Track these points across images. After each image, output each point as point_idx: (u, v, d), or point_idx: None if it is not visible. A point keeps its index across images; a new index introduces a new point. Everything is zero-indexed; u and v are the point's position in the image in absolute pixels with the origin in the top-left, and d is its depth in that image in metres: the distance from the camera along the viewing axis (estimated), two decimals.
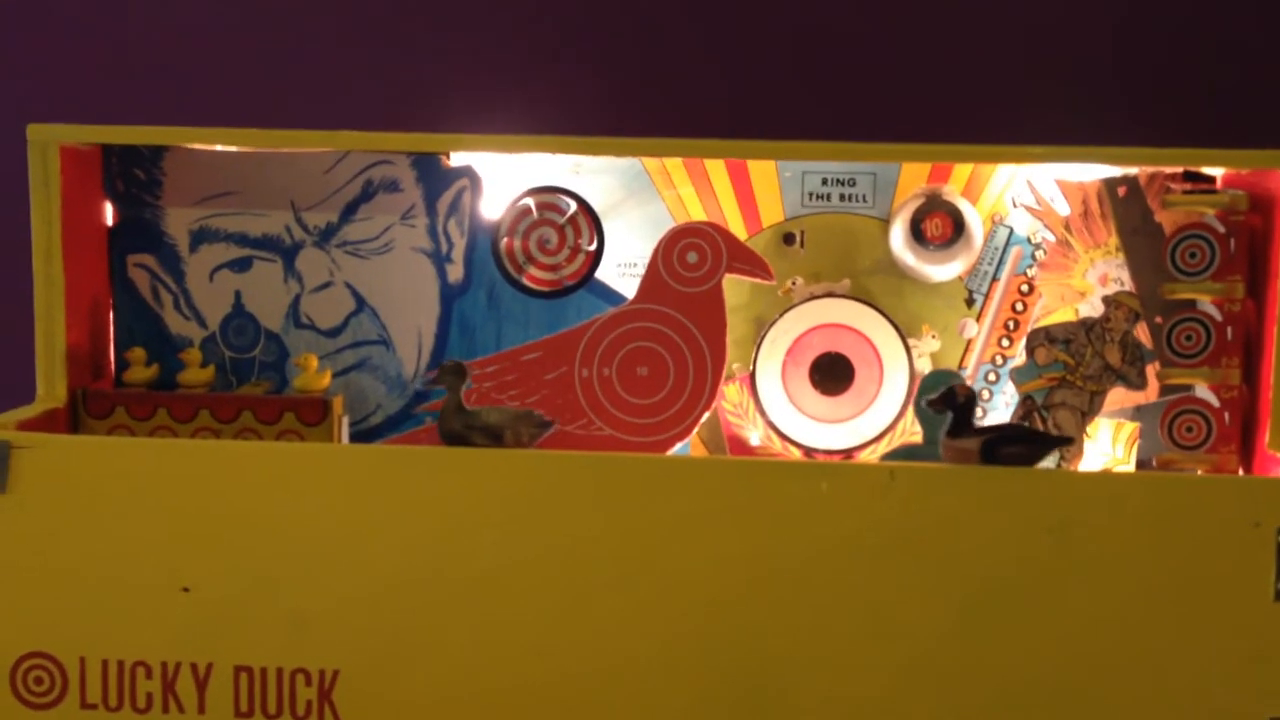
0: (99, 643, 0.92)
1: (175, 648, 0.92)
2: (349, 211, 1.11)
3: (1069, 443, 1.00)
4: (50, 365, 1.02)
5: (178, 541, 0.91)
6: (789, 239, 1.10)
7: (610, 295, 1.10)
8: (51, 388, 1.02)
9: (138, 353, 1.08)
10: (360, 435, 1.10)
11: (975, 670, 0.90)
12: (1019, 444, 0.93)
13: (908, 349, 1.09)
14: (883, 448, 1.10)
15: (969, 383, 1.08)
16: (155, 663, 0.92)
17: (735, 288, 1.09)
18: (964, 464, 0.93)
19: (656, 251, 1.08)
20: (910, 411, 1.09)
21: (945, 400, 0.95)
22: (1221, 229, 0.99)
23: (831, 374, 1.10)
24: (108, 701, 0.92)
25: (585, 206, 1.10)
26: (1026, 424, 1.04)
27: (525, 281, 1.10)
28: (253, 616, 0.91)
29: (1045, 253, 1.09)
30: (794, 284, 1.09)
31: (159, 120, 1.03)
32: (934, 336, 1.10)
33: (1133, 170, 1.04)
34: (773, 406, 1.10)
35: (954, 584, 0.90)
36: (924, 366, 1.10)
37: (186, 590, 0.91)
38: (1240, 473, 1.00)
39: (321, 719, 0.91)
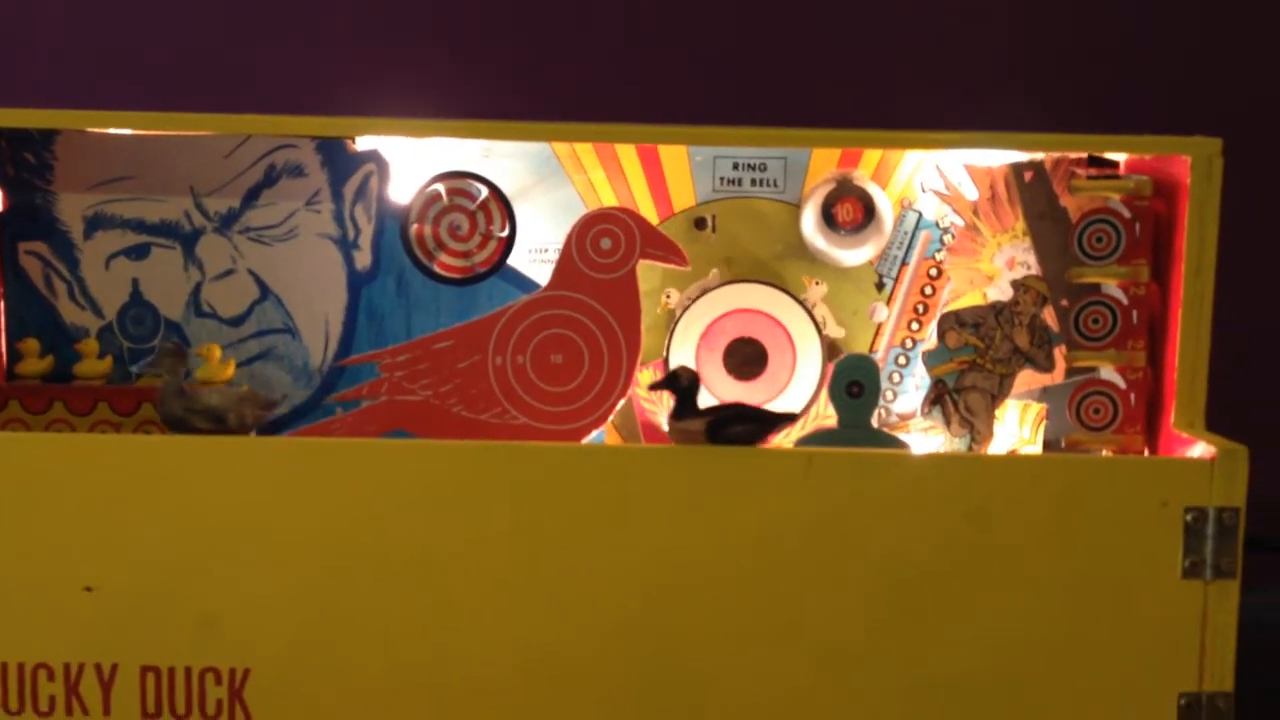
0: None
1: (79, 648, 0.91)
2: (251, 197, 1.09)
3: (792, 419, 1.01)
4: None
5: (80, 539, 0.89)
6: (700, 223, 1.11)
7: (522, 282, 1.10)
8: None
9: (31, 344, 1.05)
10: (267, 427, 1.06)
11: (893, 653, 0.91)
12: (743, 423, 0.96)
13: (820, 333, 1.09)
14: (795, 432, 1.09)
15: (880, 365, 1.08)
16: (58, 664, 0.91)
17: (647, 273, 1.08)
18: (691, 444, 0.95)
19: (570, 238, 1.07)
20: (823, 396, 1.09)
21: (669, 383, 0.97)
22: (1127, 214, 1.01)
23: (745, 359, 1.10)
24: (8, 705, 0.90)
25: (496, 192, 1.09)
26: (938, 406, 1.05)
27: (436, 268, 1.09)
28: (159, 615, 0.90)
29: (953, 237, 1.10)
30: (815, 285, 1.10)
31: (51, 103, 0.99)
32: (818, 284, 1.10)
33: (1039, 155, 1.06)
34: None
35: (872, 568, 0.91)
36: (833, 332, 1.11)
37: (89, 589, 0.89)
38: (1146, 453, 1.02)
39: (233, 718, 0.90)
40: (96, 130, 1.05)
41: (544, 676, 0.91)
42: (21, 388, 1.02)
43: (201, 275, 1.09)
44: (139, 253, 1.08)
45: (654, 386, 1.00)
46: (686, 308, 1.10)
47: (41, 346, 1.06)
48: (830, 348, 1.10)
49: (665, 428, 0.97)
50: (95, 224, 1.08)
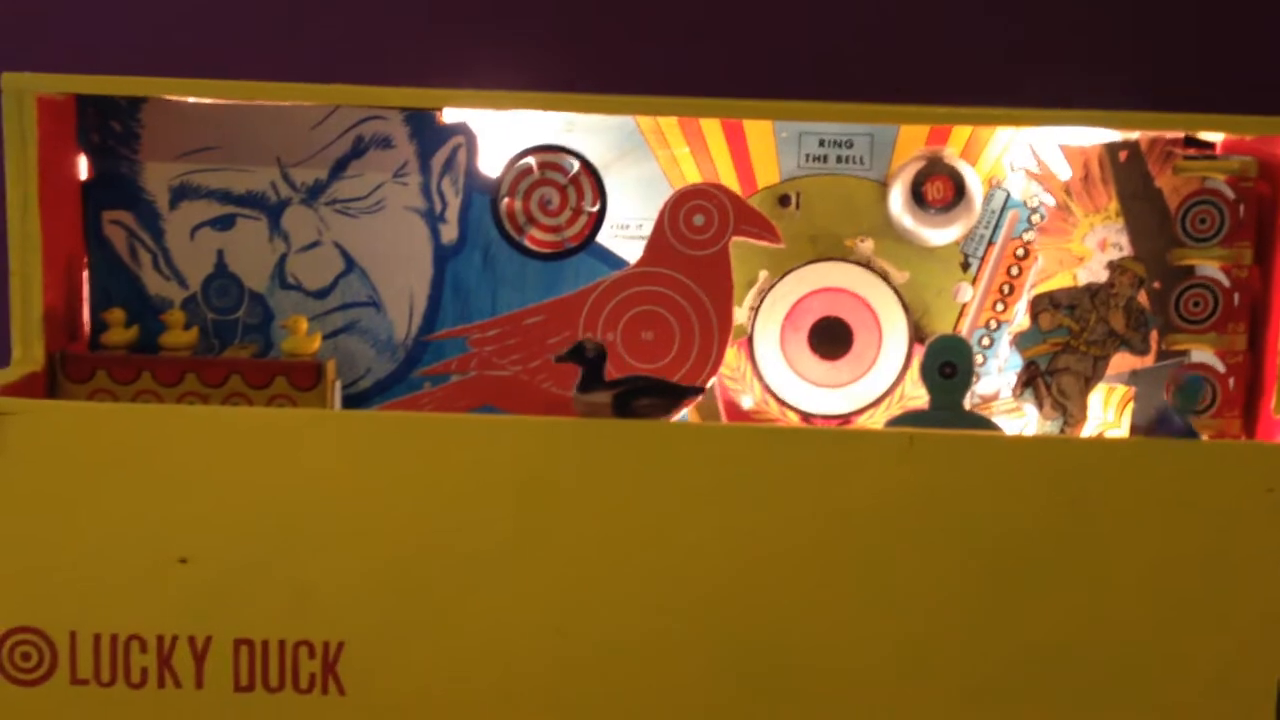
0: (91, 616, 0.91)
1: (172, 620, 0.91)
2: (338, 168, 1.09)
3: (699, 393, 1.03)
4: (27, 326, 0.99)
5: (174, 511, 0.90)
6: (784, 201, 1.10)
7: (608, 258, 1.10)
8: (28, 350, 1.00)
9: (116, 314, 1.05)
10: (351, 399, 1.09)
11: (987, 636, 0.91)
12: (651, 395, 0.97)
13: (907, 314, 1.09)
14: (880, 412, 1.10)
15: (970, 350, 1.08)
16: (151, 636, 0.91)
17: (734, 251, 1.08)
18: (597, 417, 0.97)
19: (663, 213, 1.07)
20: (909, 377, 1.09)
21: (574, 355, 0.98)
22: (1231, 195, 1.00)
23: (830, 338, 1.10)
24: (100, 677, 0.91)
25: (588, 166, 1.09)
26: (1030, 389, 1.05)
27: (526, 243, 1.09)
28: (253, 588, 0.91)
29: (1043, 217, 1.09)
30: (861, 242, 1.09)
31: (137, 70, 1.00)
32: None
33: (1134, 135, 1.05)
34: (770, 370, 1.10)
35: (970, 549, 0.91)
36: (929, 326, 1.10)
37: (184, 561, 0.90)
38: (1244, 438, 1.02)
39: (326, 692, 0.91)
40: (184, 99, 1.05)
41: (635, 653, 0.91)
42: (109, 358, 1.02)
43: (287, 247, 1.09)
44: (224, 223, 1.08)
45: (559, 359, 1.00)
46: (772, 286, 1.09)
47: (127, 317, 1.06)
48: (916, 329, 1.10)
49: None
50: (181, 194, 1.08)
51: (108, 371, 1.01)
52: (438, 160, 1.09)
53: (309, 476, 0.90)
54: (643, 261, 1.08)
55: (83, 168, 1.08)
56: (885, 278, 1.09)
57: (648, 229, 1.09)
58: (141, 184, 1.09)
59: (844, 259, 1.10)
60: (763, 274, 1.09)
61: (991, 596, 0.91)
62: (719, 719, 0.92)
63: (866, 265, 1.09)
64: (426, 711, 0.92)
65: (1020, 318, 1.10)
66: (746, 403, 1.11)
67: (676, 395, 0.98)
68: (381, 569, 0.91)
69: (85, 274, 1.08)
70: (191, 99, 1.06)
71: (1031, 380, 1.05)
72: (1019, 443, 0.94)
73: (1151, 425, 1.01)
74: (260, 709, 0.91)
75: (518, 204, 1.09)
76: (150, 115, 1.08)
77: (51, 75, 0.99)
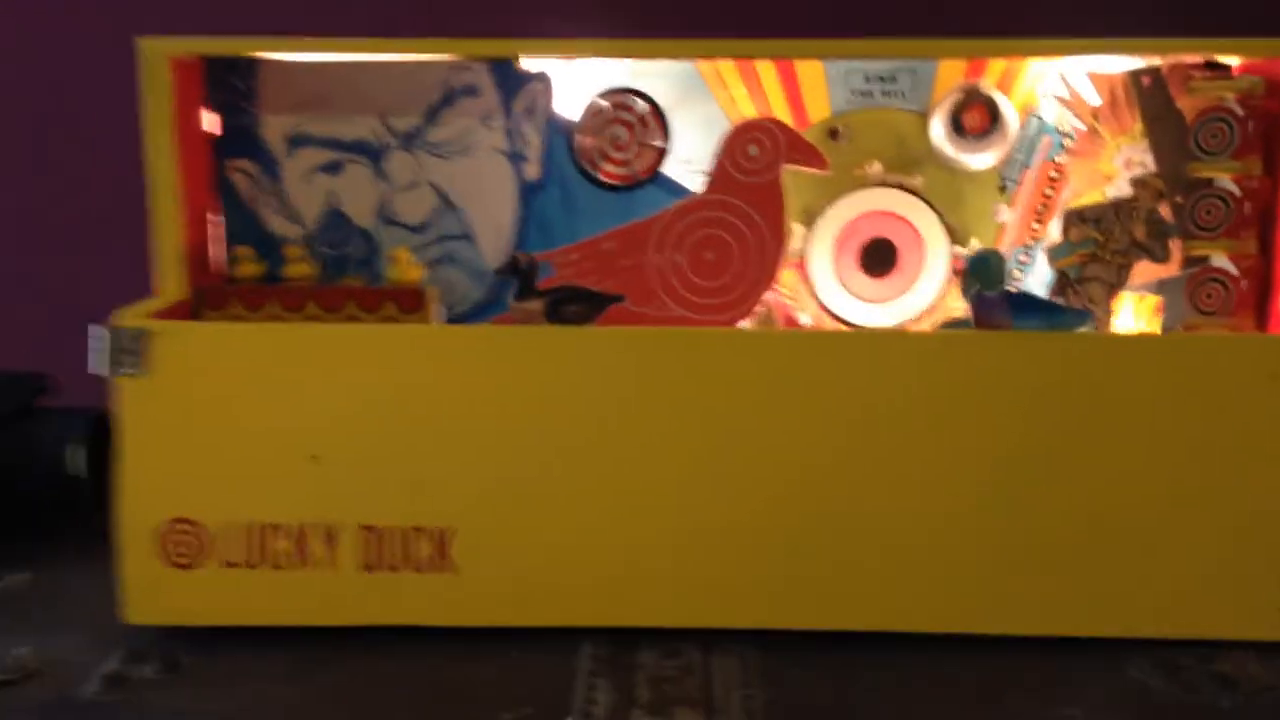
0: (237, 508, 0.98)
1: (306, 510, 0.98)
2: (432, 116, 1.16)
3: (619, 299, 1.10)
4: (170, 263, 1.07)
5: (304, 415, 0.98)
6: (834, 133, 1.16)
7: (675, 189, 1.17)
8: (173, 283, 1.07)
9: (246, 251, 1.13)
10: (451, 321, 1.16)
11: (1016, 515, 0.98)
12: (578, 303, 1.06)
13: (949, 234, 1.16)
14: (927, 324, 1.17)
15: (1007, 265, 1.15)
16: (289, 524, 0.98)
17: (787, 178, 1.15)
18: (531, 324, 1.04)
19: (723, 146, 1.14)
20: (953, 290, 1.16)
21: (510, 269, 1.08)
22: (1240, 112, 1.07)
23: (878, 257, 1.17)
24: (247, 560, 0.99)
25: (654, 106, 1.16)
26: (1060, 298, 1.12)
27: (600, 177, 1.16)
28: (375, 481, 0.98)
29: (1074, 140, 1.15)
30: (870, 167, 1.15)
31: (255, 33, 1.07)
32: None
33: (1156, 61, 1.11)
34: (824, 289, 1.17)
35: (1005, 438, 0.97)
36: (962, 247, 1.16)
37: (315, 458, 0.98)
38: (1257, 332, 1.08)
39: (440, 570, 0.99)
40: (295, 58, 1.12)
41: (707, 531, 0.98)
42: (241, 288, 1.10)
43: (389, 187, 1.16)
44: (334, 168, 1.16)
45: (499, 272, 1.11)
46: (824, 210, 1.16)
47: (254, 253, 1.14)
48: (958, 243, 1.16)
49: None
50: (295, 143, 1.16)
51: (241, 300, 1.08)
52: (519, 105, 1.16)
53: (418, 384, 0.97)
54: (704, 190, 1.15)
55: (210, 122, 1.14)
56: (911, 190, 1.14)
57: (709, 163, 1.15)
58: (261, 135, 1.15)
59: (888, 184, 1.15)
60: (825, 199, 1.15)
61: (1022, 477, 0.97)
62: (785, 587, 0.99)
63: (882, 184, 1.15)
64: (523, 586, 0.99)
65: (1055, 234, 1.15)
66: (804, 319, 1.17)
67: (600, 302, 1.08)
68: (482, 464, 0.98)
69: (217, 216, 1.15)
70: (303, 57, 1.12)
71: (1063, 289, 1.13)
72: (1044, 340, 1.00)
73: (977, 314, 1.06)
74: (384, 585, 0.99)
75: (592, 142, 1.16)
76: (266, 73, 1.15)
77: (183, 39, 1.05)
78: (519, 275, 1.10)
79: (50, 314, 1.41)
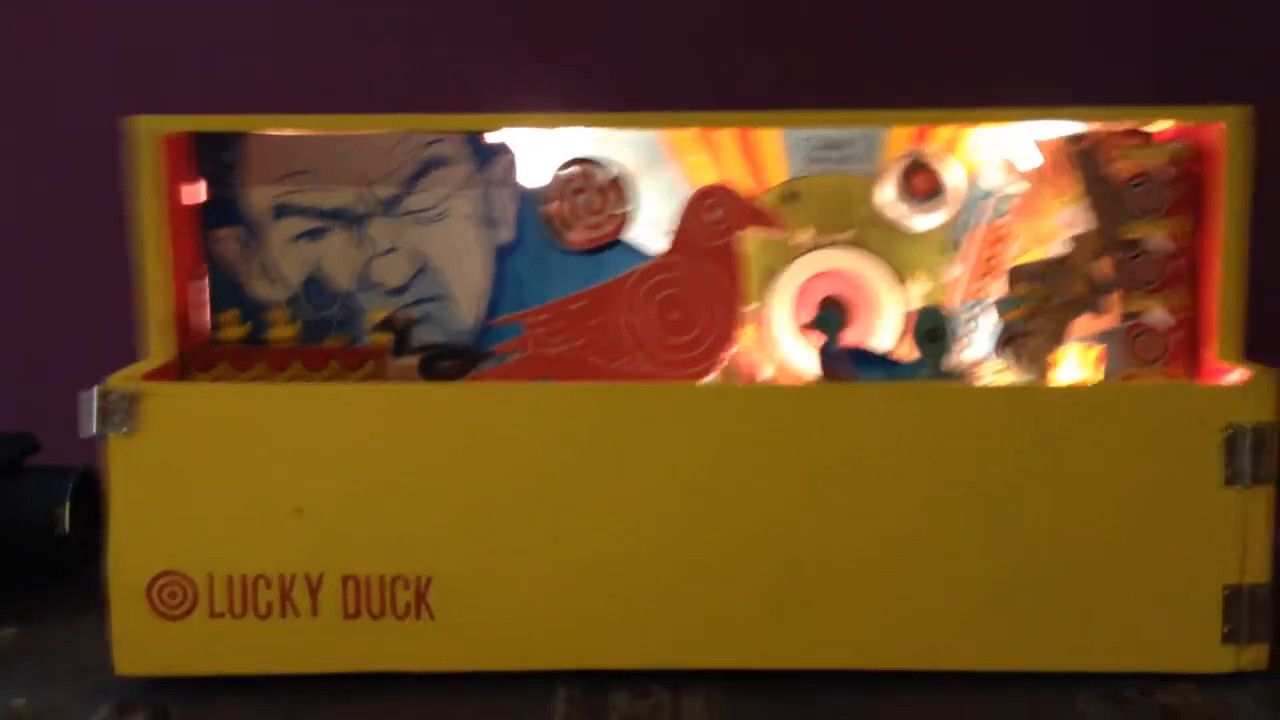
0: (223, 560, 1.00)
1: (290, 562, 1.00)
2: (409, 185, 1.19)
3: (490, 354, 1.15)
4: (160, 327, 1.10)
5: (288, 470, 1.00)
6: (793, 196, 1.20)
7: (640, 251, 1.20)
8: (162, 346, 1.10)
9: (231, 314, 1.17)
10: (433, 377, 1.19)
11: (971, 557, 1.02)
12: (450, 359, 1.11)
13: (901, 291, 1.20)
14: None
15: (953, 319, 1.19)
16: (274, 575, 1.00)
17: (748, 241, 1.19)
18: (408, 380, 1.09)
19: (686, 209, 1.17)
20: (907, 343, 1.20)
21: (386, 325, 1.13)
22: (1172, 173, 1.13)
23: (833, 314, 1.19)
24: (233, 610, 1.01)
25: (618, 175, 1.20)
26: (1008, 348, 1.17)
27: (569, 240, 1.20)
28: (356, 533, 1.01)
29: (1017, 201, 1.19)
30: (799, 237, 1.19)
31: (239, 110, 1.12)
32: (925, 278, 1.21)
33: (1092, 126, 1.16)
34: (784, 344, 1.21)
35: (950, 485, 1.01)
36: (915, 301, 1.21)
37: (299, 512, 1.01)
38: (1188, 381, 1.12)
39: (419, 617, 1.01)
40: (280, 132, 1.16)
41: (676, 583, 1.02)
42: (227, 350, 1.14)
43: (370, 252, 1.20)
44: (317, 235, 1.19)
45: (375, 328, 1.16)
46: (783, 271, 1.20)
47: (239, 316, 1.18)
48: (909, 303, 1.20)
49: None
50: (280, 211, 1.19)
51: (228, 361, 1.12)
52: (493, 174, 1.18)
53: (397, 439, 1.00)
54: (668, 252, 1.18)
55: (198, 192, 1.16)
56: (841, 246, 1.18)
57: (671, 225, 1.18)
58: (247, 204, 1.18)
59: (840, 246, 1.19)
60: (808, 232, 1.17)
61: (970, 523, 1.01)
62: (757, 626, 1.02)
63: (816, 248, 1.19)
64: (499, 632, 1.01)
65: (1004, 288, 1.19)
66: (767, 372, 1.20)
67: (472, 357, 1.13)
68: (459, 515, 1.00)
69: (202, 282, 1.18)
70: (287, 132, 1.15)
71: (1009, 341, 1.17)
72: (991, 391, 1.06)
73: (824, 367, 1.12)
74: (365, 632, 1.01)
75: (562, 207, 1.19)
76: (252, 146, 1.17)
77: (174, 116, 1.08)
78: (396, 333, 1.14)
79: (39, 375, 1.45)
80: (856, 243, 1.21)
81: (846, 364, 1.08)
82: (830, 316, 1.13)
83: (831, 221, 1.21)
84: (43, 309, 1.55)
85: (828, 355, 1.11)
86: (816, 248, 1.21)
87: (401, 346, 1.15)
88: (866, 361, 1.11)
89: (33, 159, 1.52)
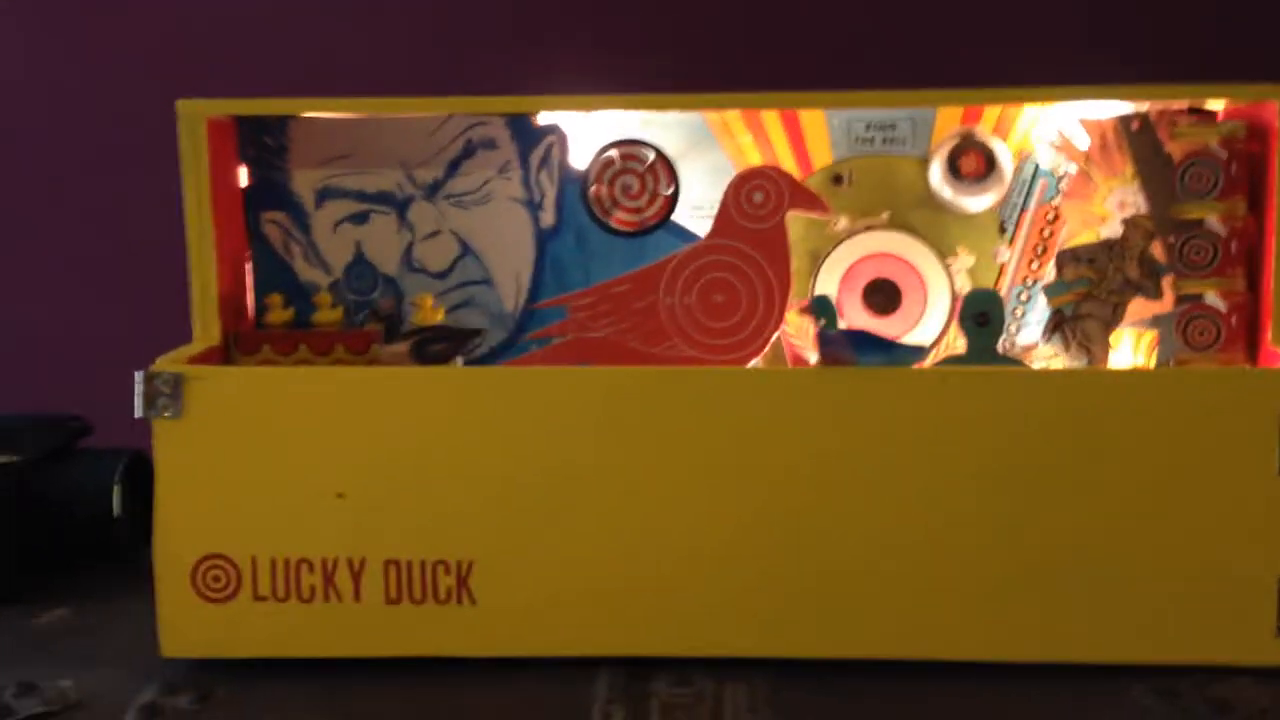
0: (267, 544, 1.00)
1: (333, 546, 1.00)
2: (452, 168, 1.18)
3: (478, 334, 1.14)
4: (205, 311, 1.11)
5: (331, 455, 0.99)
6: (838, 179, 1.19)
7: (684, 234, 1.20)
8: (207, 329, 1.11)
9: (276, 298, 1.17)
10: (470, 363, 1.20)
11: (1018, 549, 1.00)
12: (441, 342, 1.10)
13: (949, 273, 1.19)
14: (928, 360, 1.18)
15: (1004, 302, 1.16)
16: (316, 559, 1.00)
17: (793, 224, 1.18)
18: (400, 365, 1.08)
19: (727, 192, 1.17)
20: (954, 327, 1.19)
21: (374, 315, 1.13)
22: (1224, 155, 1.10)
23: (881, 297, 1.21)
24: (276, 594, 1.01)
25: (662, 156, 1.19)
26: (1058, 334, 1.16)
27: (612, 224, 1.20)
28: (399, 517, 1.00)
29: (1068, 183, 1.18)
30: (837, 223, 1.20)
31: (283, 93, 1.12)
32: (967, 252, 1.20)
33: (1144, 106, 1.15)
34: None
35: (1002, 471, 0.98)
36: (964, 286, 1.20)
37: (341, 496, 1.01)
38: (1246, 367, 1.11)
39: (461, 602, 1.01)
40: (324, 115, 1.16)
41: (711, 565, 1.00)
42: (271, 334, 1.14)
43: (412, 236, 1.20)
44: (360, 219, 1.19)
45: (362, 321, 1.15)
46: (829, 253, 1.20)
47: (284, 300, 1.18)
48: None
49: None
50: (324, 195, 1.19)
51: (271, 345, 1.12)
52: (535, 157, 1.18)
53: (440, 423, 0.99)
54: (712, 235, 1.16)
55: (243, 176, 1.17)
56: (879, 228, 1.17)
57: (716, 208, 1.17)
58: (291, 188, 1.18)
59: (889, 228, 1.18)
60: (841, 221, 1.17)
61: (1027, 508, 0.98)
62: (801, 615, 1.01)
63: (851, 234, 1.18)
64: (540, 618, 1.01)
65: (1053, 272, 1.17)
66: (812, 358, 1.18)
67: (462, 338, 1.12)
68: (501, 499, 0.99)
69: (248, 265, 1.18)
70: (330, 115, 1.15)
71: (1058, 326, 1.15)
72: (1040, 376, 1.03)
73: (822, 351, 1.09)
74: (407, 617, 1.01)
75: (604, 190, 1.19)
76: (296, 130, 1.17)
77: (217, 100, 1.08)
78: (385, 320, 1.14)
79: (91, 359, 1.46)
80: (902, 226, 1.20)
81: (845, 348, 1.06)
82: (825, 301, 1.11)
83: (877, 204, 1.19)
84: (95, 291, 1.56)
85: (825, 339, 1.09)
86: (851, 234, 1.20)
87: (391, 333, 1.14)
88: (867, 345, 1.08)
89: (87, 144, 1.54)
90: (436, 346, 1.12)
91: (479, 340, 1.16)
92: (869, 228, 1.19)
